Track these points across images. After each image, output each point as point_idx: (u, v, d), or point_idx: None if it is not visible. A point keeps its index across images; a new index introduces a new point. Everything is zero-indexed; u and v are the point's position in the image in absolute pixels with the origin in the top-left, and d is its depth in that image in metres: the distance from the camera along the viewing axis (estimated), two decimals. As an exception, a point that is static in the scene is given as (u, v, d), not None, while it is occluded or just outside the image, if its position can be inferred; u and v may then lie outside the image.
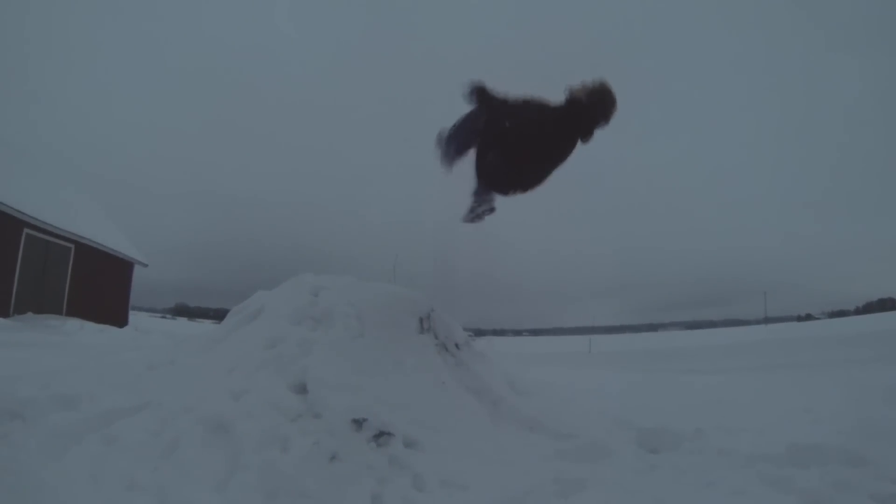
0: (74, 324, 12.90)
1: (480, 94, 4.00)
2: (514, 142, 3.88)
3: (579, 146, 3.96)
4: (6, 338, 8.49)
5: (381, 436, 3.10)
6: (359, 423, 3.13)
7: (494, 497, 2.80)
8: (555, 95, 3.84)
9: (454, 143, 4.27)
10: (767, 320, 74.71)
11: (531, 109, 3.94)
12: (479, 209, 4.31)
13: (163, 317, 62.67)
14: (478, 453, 3.23)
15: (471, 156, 4.16)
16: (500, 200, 4.31)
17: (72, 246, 15.57)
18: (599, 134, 3.85)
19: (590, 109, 3.78)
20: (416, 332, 4.40)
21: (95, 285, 16.90)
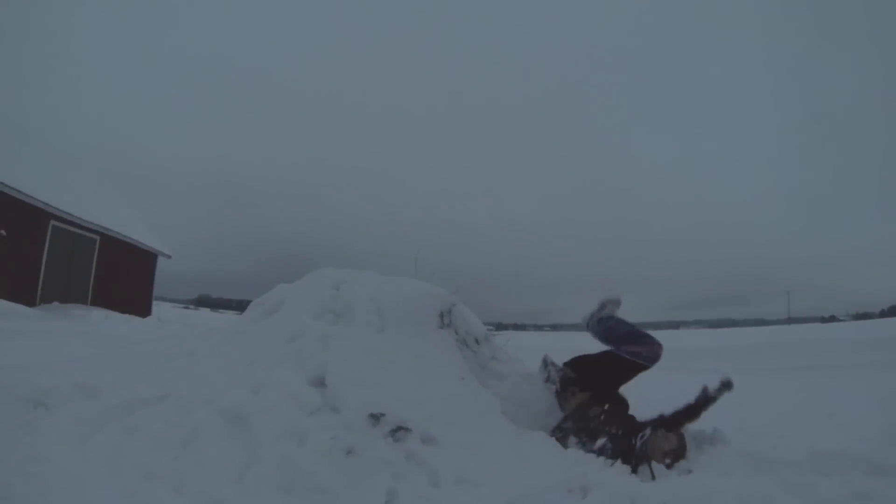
0: (99, 314, 13.09)
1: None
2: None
3: None
4: (32, 327, 8.64)
5: (397, 431, 3.10)
6: (376, 418, 3.13)
7: (510, 494, 2.79)
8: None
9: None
10: (790, 321, 73.75)
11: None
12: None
13: (185, 307, 63.40)
14: (495, 450, 3.23)
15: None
16: None
17: (97, 237, 15.80)
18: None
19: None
20: (436, 328, 4.38)
21: (119, 276, 17.15)
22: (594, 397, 4.05)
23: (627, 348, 4.14)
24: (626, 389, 4.26)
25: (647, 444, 3.56)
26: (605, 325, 4.47)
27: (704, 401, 3.92)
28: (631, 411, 4.09)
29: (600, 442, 3.70)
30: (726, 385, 3.79)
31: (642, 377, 4.16)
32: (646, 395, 4.31)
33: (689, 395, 4.02)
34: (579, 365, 4.35)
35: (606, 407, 3.98)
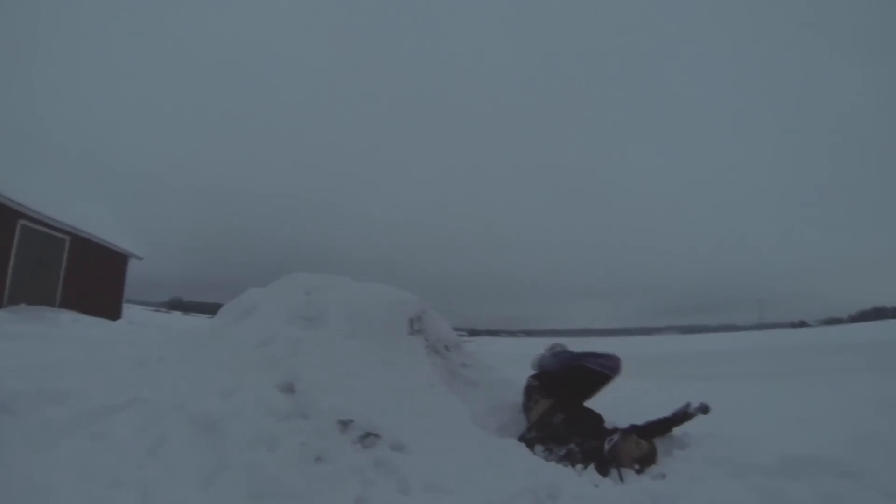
0: (68, 316, 12.84)
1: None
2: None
3: None
4: (-1, 329, 8.44)
5: (367, 437, 3.08)
6: (345, 424, 3.10)
7: (480, 501, 2.78)
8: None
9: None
10: (762, 327, 74.99)
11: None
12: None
13: (157, 310, 62.51)
14: (465, 457, 3.21)
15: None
16: None
17: (67, 238, 15.49)
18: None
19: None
20: (406, 334, 4.39)
21: (90, 278, 16.82)
22: (557, 405, 4.09)
23: (591, 360, 4.35)
24: (601, 397, 4.29)
25: (616, 448, 3.60)
26: (561, 355, 4.74)
27: (682, 417, 4.03)
28: (609, 419, 4.12)
29: (567, 448, 3.72)
30: (704, 410, 4.08)
31: (618, 383, 4.21)
32: (622, 401, 4.35)
33: (666, 408, 4.08)
34: (544, 377, 4.44)
35: (569, 414, 4.01)
